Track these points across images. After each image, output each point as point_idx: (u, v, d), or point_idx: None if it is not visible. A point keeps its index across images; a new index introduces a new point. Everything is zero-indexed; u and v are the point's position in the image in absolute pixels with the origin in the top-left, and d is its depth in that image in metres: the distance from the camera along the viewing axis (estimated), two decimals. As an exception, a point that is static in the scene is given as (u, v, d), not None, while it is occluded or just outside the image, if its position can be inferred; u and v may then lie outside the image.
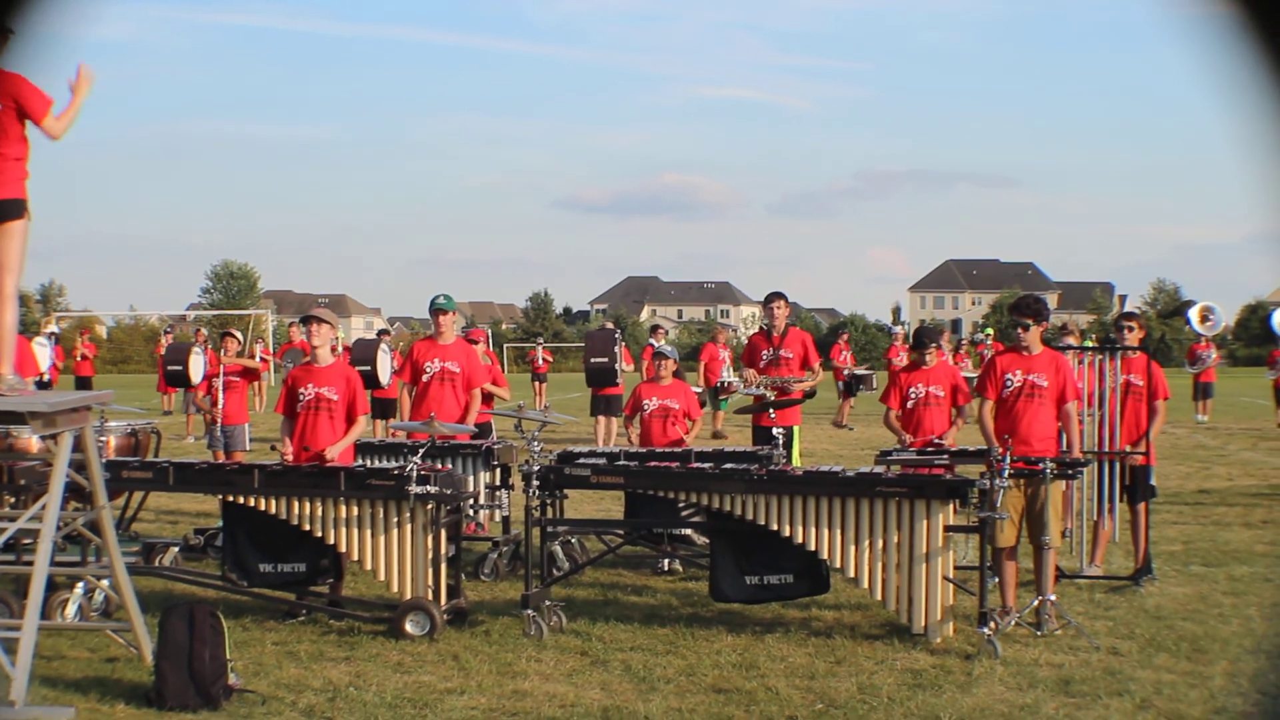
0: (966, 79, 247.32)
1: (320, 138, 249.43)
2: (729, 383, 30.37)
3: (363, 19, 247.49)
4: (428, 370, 14.36)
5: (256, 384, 43.11)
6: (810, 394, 16.02)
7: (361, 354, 20.66)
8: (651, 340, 29.69)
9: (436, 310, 14.53)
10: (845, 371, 36.00)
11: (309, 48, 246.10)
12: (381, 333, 31.92)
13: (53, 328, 40.54)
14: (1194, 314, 35.92)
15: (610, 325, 35.19)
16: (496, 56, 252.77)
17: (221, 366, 17.71)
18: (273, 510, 11.26)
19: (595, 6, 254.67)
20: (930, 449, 12.67)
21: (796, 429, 14.86)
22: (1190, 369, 36.52)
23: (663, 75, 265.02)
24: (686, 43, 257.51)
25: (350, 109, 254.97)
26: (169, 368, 20.35)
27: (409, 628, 10.77)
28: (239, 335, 18.65)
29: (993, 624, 10.38)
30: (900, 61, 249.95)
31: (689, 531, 13.51)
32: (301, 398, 11.98)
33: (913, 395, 13.27)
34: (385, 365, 19.55)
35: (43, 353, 29.15)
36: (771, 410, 13.72)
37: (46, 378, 31.41)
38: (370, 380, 19.73)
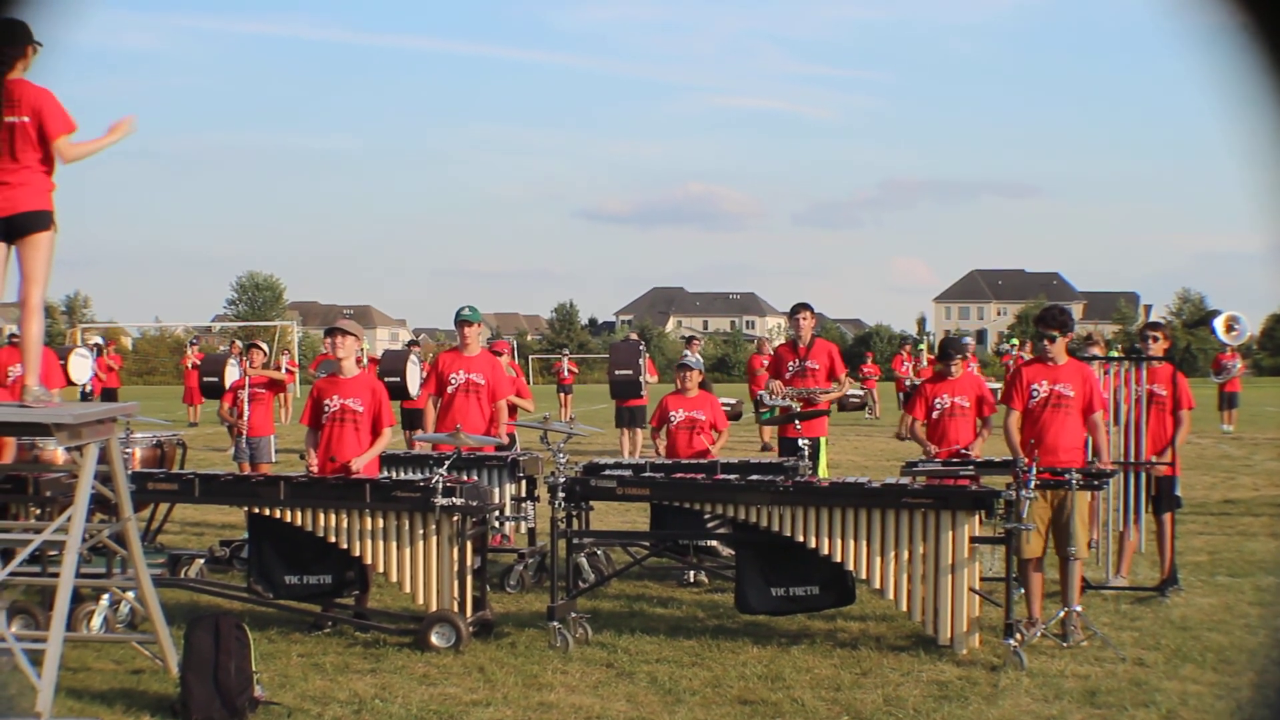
0: (988, 88, 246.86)
1: (344, 148, 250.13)
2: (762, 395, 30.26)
3: (386, 29, 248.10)
4: (453, 382, 14.32)
5: (282, 395, 43.27)
6: (864, 404, 16.06)
7: (390, 365, 20.74)
8: (686, 352, 29.64)
9: (462, 322, 14.51)
10: (906, 382, 35.84)
11: (333, 58, 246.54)
12: (411, 344, 31.90)
13: (96, 339, 40.61)
14: (1219, 324, 35.78)
15: (635, 337, 35.22)
16: (520, 67, 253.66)
17: (246, 378, 17.75)
18: (298, 522, 11.28)
19: (618, 17, 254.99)
20: (956, 460, 12.66)
21: (823, 440, 14.83)
22: (1215, 379, 36.36)
23: (686, 85, 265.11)
24: (709, 53, 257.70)
25: (374, 119, 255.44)
26: (205, 379, 20.53)
27: (434, 640, 10.78)
28: (264, 347, 18.69)
29: (1019, 635, 10.36)
30: (922, 71, 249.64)
31: (715, 543, 13.51)
32: (327, 409, 12.01)
33: (938, 406, 13.27)
34: (414, 376, 19.60)
35: (84, 364, 29.28)
36: (798, 422, 13.72)
37: (89, 388, 31.57)
38: (399, 391, 19.82)
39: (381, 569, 11.20)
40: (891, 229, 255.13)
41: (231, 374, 18.70)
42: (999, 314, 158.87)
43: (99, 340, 40.80)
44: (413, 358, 20.98)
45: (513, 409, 15.80)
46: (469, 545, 11.11)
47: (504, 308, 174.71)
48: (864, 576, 10.88)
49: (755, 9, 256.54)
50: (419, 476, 12.27)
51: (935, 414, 13.31)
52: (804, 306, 15.24)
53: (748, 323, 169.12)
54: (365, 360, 22.06)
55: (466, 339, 14.51)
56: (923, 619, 10.80)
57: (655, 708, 9.19)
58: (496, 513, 12.58)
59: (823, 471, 14.52)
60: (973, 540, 10.67)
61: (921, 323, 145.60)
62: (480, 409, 14.30)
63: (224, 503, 12.50)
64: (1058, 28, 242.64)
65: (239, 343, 39.50)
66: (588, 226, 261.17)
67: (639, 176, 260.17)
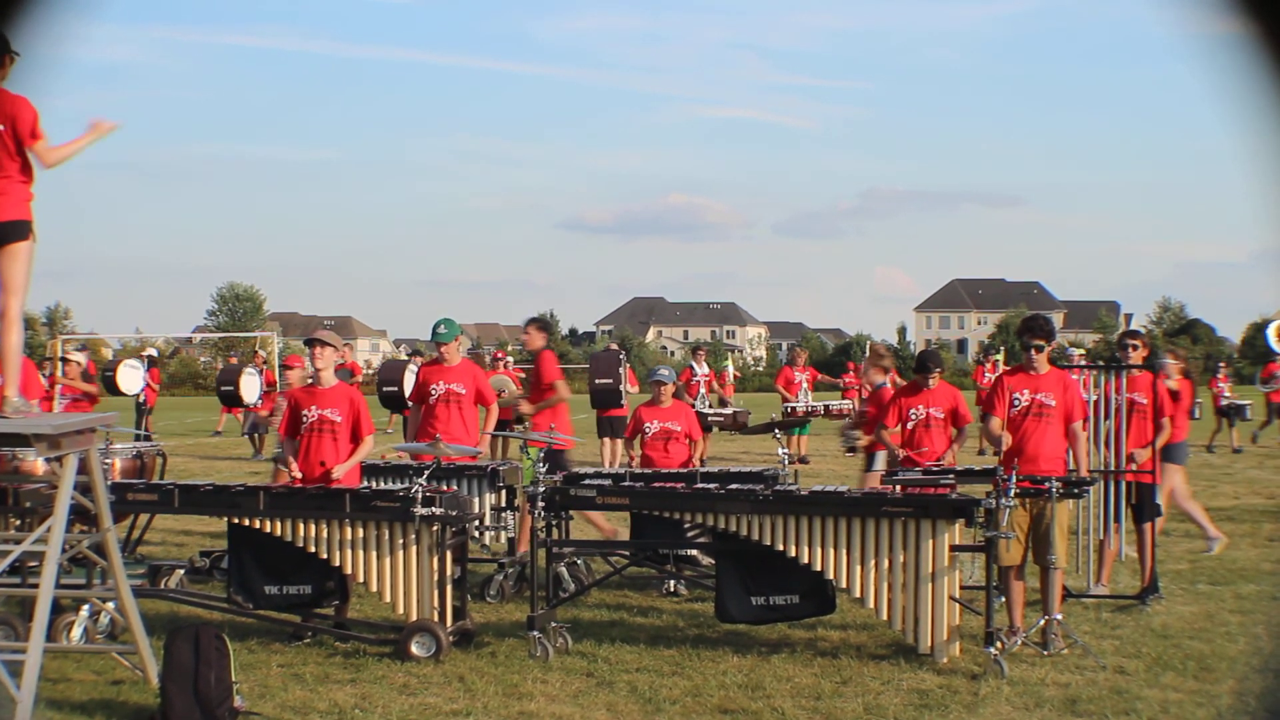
0: (969, 98, 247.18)
1: (325, 159, 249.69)
2: (811, 408, 30.11)
3: (366, 41, 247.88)
4: (433, 392, 14.32)
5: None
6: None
7: (389, 375, 20.76)
8: (692, 362, 29.60)
9: (437, 342, 14.48)
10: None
11: (313, 69, 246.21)
12: (413, 354, 31.76)
13: (150, 350, 40.43)
14: (1271, 332, 35.35)
15: (614, 347, 35.04)
16: (500, 77, 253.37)
17: (58, 389, 17.93)
18: (278, 532, 11.26)
19: (599, 27, 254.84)
20: (935, 469, 12.67)
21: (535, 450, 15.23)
22: (1262, 388, 35.81)
23: (666, 96, 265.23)
24: (689, 63, 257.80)
25: (355, 130, 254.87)
26: (221, 388, 20.66)
27: (415, 649, 10.77)
28: (80, 359, 18.72)
29: (999, 643, 10.38)
30: (902, 80, 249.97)
31: (694, 552, 13.51)
32: (305, 420, 11.99)
33: (913, 416, 13.26)
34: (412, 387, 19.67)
35: (136, 375, 29.40)
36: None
37: (142, 398, 31.72)
38: (396, 401, 19.87)
39: (361, 579, 11.19)
40: (873, 239, 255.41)
41: (248, 384, 18.79)
42: (979, 323, 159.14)
43: (153, 351, 40.61)
44: (411, 368, 20.95)
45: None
46: (449, 555, 11.11)
47: (485, 318, 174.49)
48: (844, 585, 10.89)
49: (734, 19, 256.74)
50: (399, 486, 12.25)
51: (910, 425, 13.30)
52: (533, 321, 16.50)
53: (728, 332, 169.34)
54: (361, 377, 22.09)
55: (445, 355, 14.50)
56: (903, 627, 10.81)
57: (635, 717, 9.19)
58: (476, 522, 12.57)
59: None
60: (953, 549, 10.68)
61: (902, 332, 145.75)
62: (462, 419, 14.29)
63: (203, 513, 12.48)
64: (1037, 37, 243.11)
65: (261, 353, 39.34)
66: (569, 237, 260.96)
67: (620, 187, 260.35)
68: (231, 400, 20.21)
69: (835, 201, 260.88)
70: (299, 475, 11.93)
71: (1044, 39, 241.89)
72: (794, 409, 29.77)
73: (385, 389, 20.53)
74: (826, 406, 31.26)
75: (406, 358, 30.93)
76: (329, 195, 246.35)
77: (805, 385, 31.20)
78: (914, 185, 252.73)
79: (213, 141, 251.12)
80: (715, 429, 27.38)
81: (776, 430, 13.80)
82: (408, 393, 19.72)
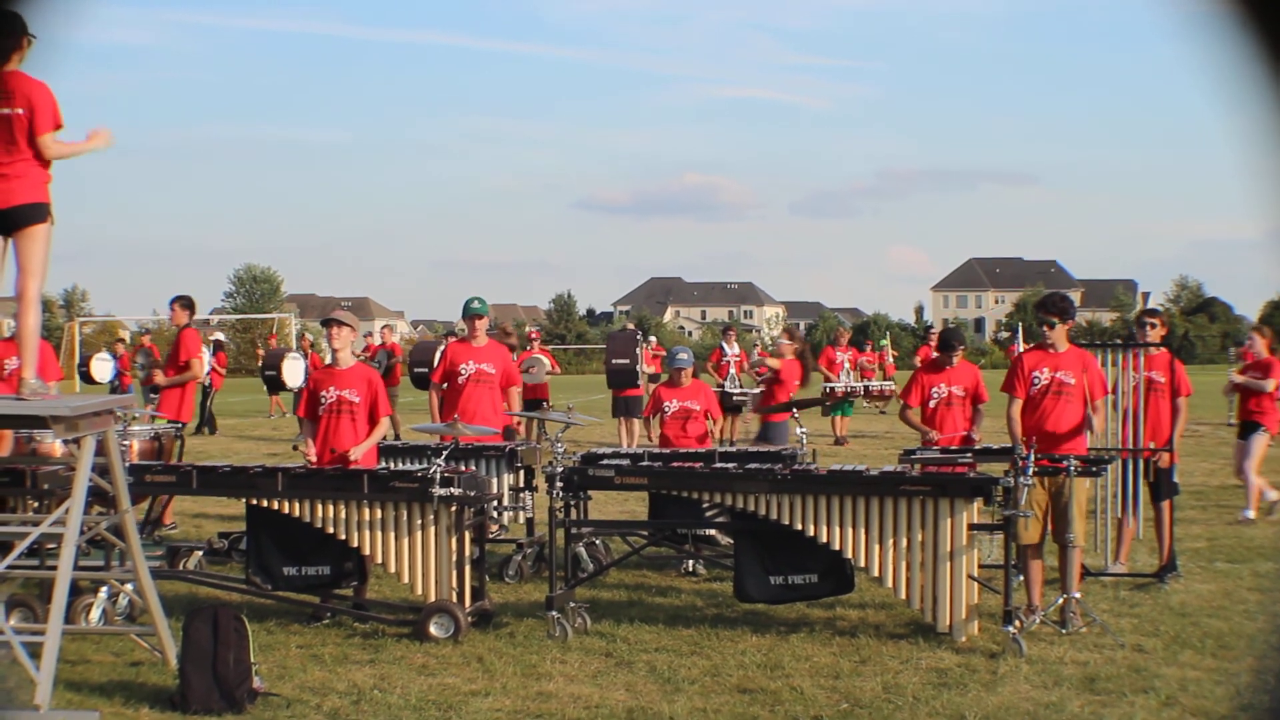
0: (984, 77, 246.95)
1: (340, 141, 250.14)
2: (850, 388, 30.00)
3: (380, 22, 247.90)
4: (463, 372, 14.36)
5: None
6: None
7: (420, 356, 20.83)
8: (722, 343, 29.48)
9: (473, 315, 14.52)
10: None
11: (327, 51, 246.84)
12: (447, 335, 31.77)
13: (217, 335, 40.51)
14: None
15: (631, 327, 34.97)
16: (514, 59, 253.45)
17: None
18: (296, 513, 11.27)
19: (611, 8, 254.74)
20: (955, 447, 12.65)
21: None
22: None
23: (680, 76, 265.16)
24: (703, 43, 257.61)
25: (369, 112, 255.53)
26: (265, 373, 20.71)
27: (433, 630, 10.77)
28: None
29: (1018, 622, 10.36)
30: (917, 60, 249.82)
31: (713, 532, 13.50)
32: (323, 400, 11.99)
33: (935, 395, 13.25)
34: None
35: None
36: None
37: (207, 382, 31.96)
38: (427, 382, 19.99)
39: (380, 560, 11.19)
40: (889, 218, 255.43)
41: (293, 367, 18.87)
42: (997, 302, 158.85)
43: (219, 336, 40.75)
44: (442, 349, 21.00)
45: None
46: (467, 535, 11.11)
47: (502, 298, 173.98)
48: (863, 564, 10.87)
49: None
50: (417, 467, 12.25)
51: (932, 403, 13.29)
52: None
53: (746, 312, 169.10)
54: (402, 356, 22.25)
55: (476, 331, 14.56)
56: (922, 606, 10.80)
57: (654, 697, 9.18)
58: (494, 503, 12.57)
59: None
60: (971, 527, 10.66)
61: (919, 311, 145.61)
62: (492, 399, 14.34)
63: (222, 494, 12.48)
64: (1053, 16, 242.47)
65: (309, 336, 39.30)
66: (585, 217, 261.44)
67: (636, 167, 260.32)
68: (275, 385, 20.27)
69: (851, 181, 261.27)
70: (314, 458, 11.93)
71: (1059, 18, 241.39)
72: (834, 389, 29.73)
73: (416, 369, 20.60)
74: (867, 387, 31.17)
75: (443, 337, 30.91)
76: (345, 177, 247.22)
77: (847, 365, 31.10)
78: (929, 165, 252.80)
79: (227, 124, 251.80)
80: (745, 409, 27.31)
81: (795, 410, 13.80)
82: None
